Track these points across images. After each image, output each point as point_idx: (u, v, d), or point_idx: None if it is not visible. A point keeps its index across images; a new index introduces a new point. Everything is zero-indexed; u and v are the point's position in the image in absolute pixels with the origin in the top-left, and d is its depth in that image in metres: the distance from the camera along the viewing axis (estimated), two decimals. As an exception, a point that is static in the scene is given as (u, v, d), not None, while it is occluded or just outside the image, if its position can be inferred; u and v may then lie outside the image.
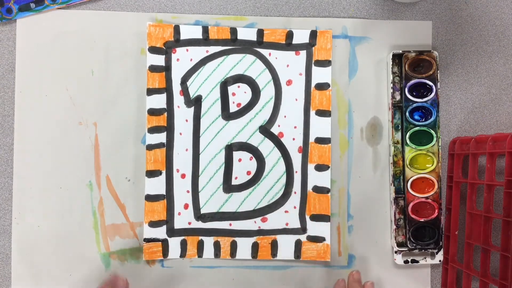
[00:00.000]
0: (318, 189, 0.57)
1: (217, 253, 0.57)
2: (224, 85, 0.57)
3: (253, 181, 0.57)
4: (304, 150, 0.57)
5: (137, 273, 0.57)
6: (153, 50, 0.57)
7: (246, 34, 0.57)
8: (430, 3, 0.59)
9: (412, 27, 0.58)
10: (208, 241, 0.57)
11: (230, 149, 0.57)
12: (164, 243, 0.57)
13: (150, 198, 0.57)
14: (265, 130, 0.57)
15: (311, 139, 0.57)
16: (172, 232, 0.57)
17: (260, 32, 0.57)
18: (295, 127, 0.57)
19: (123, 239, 0.57)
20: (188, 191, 0.57)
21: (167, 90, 0.57)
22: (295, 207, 0.57)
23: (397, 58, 0.57)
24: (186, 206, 0.57)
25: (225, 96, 0.57)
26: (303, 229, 0.57)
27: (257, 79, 0.57)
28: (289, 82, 0.57)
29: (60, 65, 0.57)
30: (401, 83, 0.57)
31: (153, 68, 0.57)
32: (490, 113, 0.59)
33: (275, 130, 0.57)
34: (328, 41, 0.58)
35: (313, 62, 0.58)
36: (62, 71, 0.57)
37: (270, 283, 0.57)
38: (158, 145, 0.57)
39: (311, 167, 0.57)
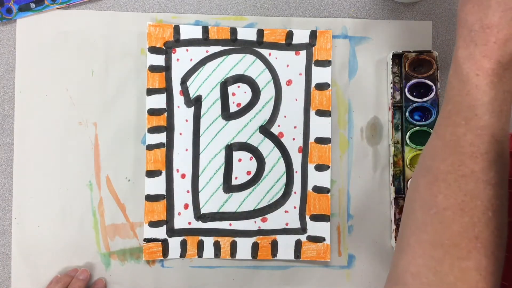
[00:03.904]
0: (318, 189, 0.57)
1: (217, 253, 0.57)
2: (224, 85, 0.57)
3: (253, 181, 0.57)
4: (304, 150, 0.57)
5: (137, 273, 0.57)
6: (153, 50, 0.57)
7: (246, 34, 0.57)
8: (430, 3, 0.59)
9: (412, 27, 0.58)
10: (208, 241, 0.57)
11: (230, 149, 0.57)
12: (164, 243, 0.57)
13: (150, 198, 0.57)
14: (265, 130, 0.57)
15: (311, 139, 0.57)
16: (172, 232, 0.57)
17: (260, 32, 0.57)
18: (295, 127, 0.57)
19: (123, 239, 0.57)
20: (188, 191, 0.57)
21: (167, 90, 0.57)
22: (295, 207, 0.57)
23: (397, 58, 0.57)
24: (186, 206, 0.57)
25: (225, 96, 0.57)
26: (303, 229, 0.57)
27: (257, 79, 0.57)
28: (289, 82, 0.58)
29: (60, 65, 0.57)
30: (401, 83, 0.57)
31: (153, 68, 0.57)
32: (490, 113, 0.59)
33: (275, 130, 0.57)
34: (328, 41, 0.58)
35: (313, 62, 0.58)
36: (62, 71, 0.57)
37: (270, 283, 0.57)
38: (158, 145, 0.57)
39: (311, 167, 0.57)
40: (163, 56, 0.57)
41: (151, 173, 0.57)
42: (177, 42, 0.57)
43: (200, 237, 0.57)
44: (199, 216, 0.57)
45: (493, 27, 0.35)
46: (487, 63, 0.35)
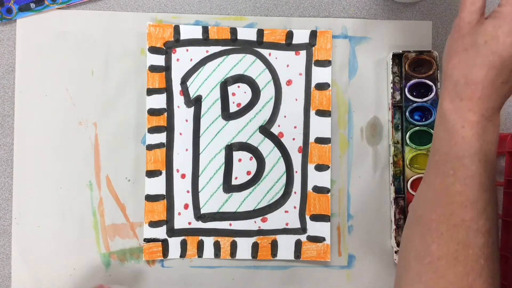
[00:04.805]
0: (318, 189, 0.57)
1: (217, 253, 0.57)
2: (224, 85, 0.57)
3: (253, 181, 0.57)
4: (304, 150, 0.57)
5: (137, 273, 0.57)
6: (153, 50, 0.57)
7: (246, 34, 0.57)
8: (430, 3, 0.59)
9: (412, 27, 0.58)
10: (208, 241, 0.57)
11: (230, 149, 0.57)
12: (164, 243, 0.57)
13: (150, 198, 0.57)
14: (265, 130, 0.57)
15: (311, 139, 0.57)
16: (172, 232, 0.57)
17: (260, 32, 0.57)
18: (295, 127, 0.57)
19: (123, 239, 0.57)
20: (188, 191, 0.57)
21: (167, 90, 0.57)
22: (295, 207, 0.57)
23: (397, 58, 0.57)
24: (186, 206, 0.57)
25: (225, 96, 0.57)
26: (303, 229, 0.57)
27: (257, 79, 0.57)
28: (289, 82, 0.58)
29: (60, 65, 0.57)
30: (401, 83, 0.57)
31: (153, 68, 0.57)
32: (490, 113, 0.59)
33: (275, 130, 0.57)
34: (328, 41, 0.58)
35: (313, 62, 0.58)
36: (62, 71, 0.57)
37: (270, 283, 0.57)
38: (158, 145, 0.57)
39: (311, 167, 0.57)
40: (163, 56, 0.57)
41: (151, 173, 0.57)
42: (177, 42, 0.57)
43: (200, 237, 0.57)
44: (199, 216, 0.57)
45: (478, 84, 0.36)
46: (472, 116, 0.36)
